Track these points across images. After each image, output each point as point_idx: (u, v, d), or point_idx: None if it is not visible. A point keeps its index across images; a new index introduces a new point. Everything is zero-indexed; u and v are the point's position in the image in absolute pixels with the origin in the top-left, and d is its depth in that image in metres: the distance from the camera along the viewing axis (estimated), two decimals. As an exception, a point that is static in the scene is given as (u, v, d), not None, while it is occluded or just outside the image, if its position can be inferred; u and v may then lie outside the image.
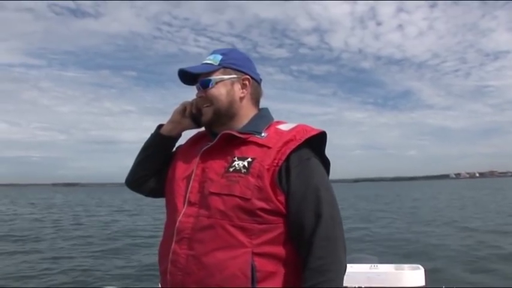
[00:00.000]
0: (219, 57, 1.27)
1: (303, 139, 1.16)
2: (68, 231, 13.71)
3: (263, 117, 1.29)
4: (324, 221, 1.10)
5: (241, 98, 1.27)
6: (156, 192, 1.40)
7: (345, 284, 2.05)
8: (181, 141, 1.41)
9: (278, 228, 1.12)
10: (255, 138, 1.18)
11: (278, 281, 1.11)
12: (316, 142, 1.22)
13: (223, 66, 1.26)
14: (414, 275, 2.14)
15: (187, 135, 1.41)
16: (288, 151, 1.13)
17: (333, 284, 1.06)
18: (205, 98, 1.25)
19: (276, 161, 1.12)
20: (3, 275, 7.12)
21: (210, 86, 1.24)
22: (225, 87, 1.25)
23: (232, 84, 1.26)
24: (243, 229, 1.09)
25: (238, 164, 1.14)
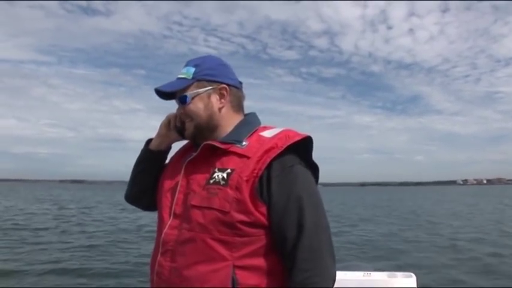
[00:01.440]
0: (192, 69, 1.24)
1: (284, 146, 1.12)
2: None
3: (247, 125, 1.25)
4: (306, 231, 1.07)
5: (220, 109, 1.24)
6: (153, 206, 1.38)
7: (338, 291, 2.09)
8: (173, 151, 1.41)
9: (260, 241, 1.10)
10: (235, 148, 1.15)
11: None
12: (303, 147, 1.18)
13: (197, 80, 1.23)
14: (407, 282, 2.15)
15: (179, 145, 1.40)
16: (268, 160, 1.10)
17: None
18: (184, 113, 1.24)
19: (256, 172, 1.09)
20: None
21: (187, 102, 1.22)
22: (202, 101, 1.23)
23: (209, 96, 1.23)
24: (223, 242, 1.08)
25: (217, 176, 1.12)
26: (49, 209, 23.02)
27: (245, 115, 1.31)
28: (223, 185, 1.10)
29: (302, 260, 1.06)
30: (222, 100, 1.24)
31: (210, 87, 1.23)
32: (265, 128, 1.24)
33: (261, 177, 1.09)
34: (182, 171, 1.22)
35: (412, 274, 2.14)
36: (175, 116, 1.30)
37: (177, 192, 1.20)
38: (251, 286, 1.08)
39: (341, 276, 2.24)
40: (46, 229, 13.12)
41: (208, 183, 1.13)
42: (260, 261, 1.10)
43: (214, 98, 1.23)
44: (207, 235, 1.09)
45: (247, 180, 1.08)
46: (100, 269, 7.56)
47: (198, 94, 1.22)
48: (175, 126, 1.31)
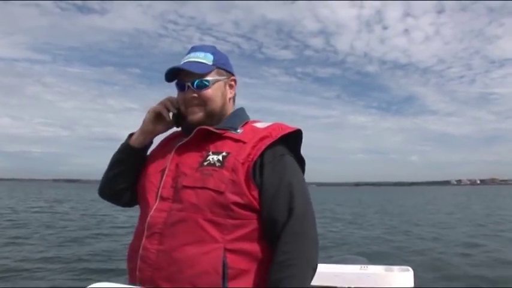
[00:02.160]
0: (211, 56, 1.25)
1: (278, 135, 1.17)
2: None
3: (239, 115, 1.29)
4: (294, 216, 1.09)
5: (230, 99, 1.30)
6: (133, 202, 1.37)
7: (335, 284, 2.08)
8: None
9: (251, 224, 1.12)
10: (230, 133, 1.19)
11: (250, 279, 1.09)
12: (293, 141, 1.23)
13: (217, 67, 1.25)
14: (403, 276, 2.15)
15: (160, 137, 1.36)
16: (264, 147, 1.14)
17: (295, 279, 1.04)
18: (198, 98, 1.22)
19: (251, 156, 1.13)
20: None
21: (208, 86, 1.22)
22: (220, 89, 1.25)
23: (225, 85, 1.28)
24: (215, 224, 1.08)
25: (212, 158, 1.14)
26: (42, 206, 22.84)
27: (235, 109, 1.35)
28: (218, 166, 1.12)
29: (285, 242, 1.08)
30: (231, 91, 1.30)
31: (225, 77, 1.28)
32: (255, 121, 1.30)
33: (255, 163, 1.13)
34: (171, 156, 1.21)
35: (409, 268, 2.13)
36: (165, 104, 1.28)
37: (164, 176, 1.19)
38: (242, 270, 1.08)
39: (338, 269, 2.23)
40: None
41: (201, 165, 1.14)
42: (251, 246, 1.11)
43: (227, 88, 1.28)
44: (200, 215, 1.08)
45: (242, 163, 1.12)
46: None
47: (218, 81, 1.25)
48: (173, 115, 1.29)
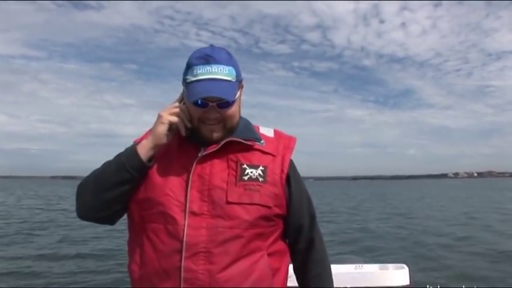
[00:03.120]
0: (233, 71, 1.16)
1: (293, 147, 1.25)
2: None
3: (249, 123, 1.28)
4: (315, 220, 1.29)
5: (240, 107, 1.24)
6: (119, 218, 1.23)
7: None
8: None
9: (279, 228, 1.21)
10: (257, 145, 1.20)
11: (282, 274, 1.21)
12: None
13: (239, 81, 1.19)
14: (399, 274, 2.15)
15: None
16: (288, 159, 1.22)
17: (330, 271, 1.30)
18: (219, 116, 1.14)
19: (282, 169, 1.19)
20: None
21: (230, 107, 1.15)
22: (238, 104, 1.19)
23: (240, 96, 1.21)
24: (260, 234, 1.14)
25: (253, 173, 1.15)
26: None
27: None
28: (262, 181, 1.15)
29: (318, 241, 1.28)
30: (241, 96, 1.24)
31: (241, 89, 1.22)
32: (258, 128, 1.30)
33: (287, 175, 1.20)
34: (193, 167, 1.12)
35: (404, 265, 2.13)
36: (182, 118, 1.17)
37: (189, 189, 1.10)
38: (276, 269, 1.18)
39: (333, 269, 2.23)
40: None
41: (241, 179, 1.13)
42: (280, 246, 1.22)
43: (240, 97, 1.22)
44: (253, 230, 1.12)
45: (280, 177, 1.18)
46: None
47: (239, 97, 1.20)
48: (186, 129, 1.18)
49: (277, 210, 1.17)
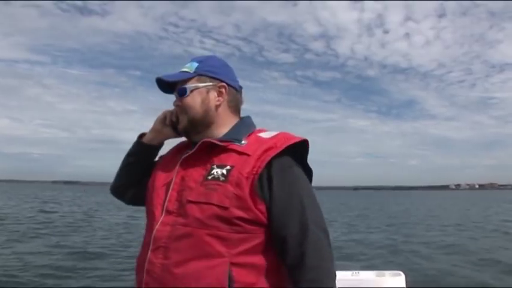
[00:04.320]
0: (195, 64, 1.26)
1: (283, 146, 1.14)
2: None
3: (244, 125, 1.27)
4: (311, 230, 1.08)
5: (217, 106, 1.25)
6: (136, 200, 1.40)
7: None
8: (165, 150, 1.40)
9: (257, 238, 1.10)
10: (234, 146, 1.16)
11: None
12: (299, 151, 1.20)
13: (199, 74, 1.25)
14: (395, 281, 2.16)
15: (172, 144, 1.40)
16: (268, 158, 1.11)
17: None
18: (181, 106, 1.25)
19: (256, 169, 1.10)
20: None
21: (186, 94, 1.23)
22: (200, 96, 1.24)
23: (208, 92, 1.24)
24: (220, 238, 1.07)
25: (216, 172, 1.12)
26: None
27: (241, 118, 1.32)
28: (222, 181, 1.10)
29: (309, 257, 1.06)
30: (220, 98, 1.25)
31: (210, 83, 1.25)
32: (261, 131, 1.26)
33: (260, 175, 1.10)
34: (177, 169, 1.20)
35: (401, 272, 2.14)
36: (172, 112, 1.31)
37: (170, 189, 1.17)
38: (247, 284, 1.07)
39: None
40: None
41: (206, 179, 1.12)
42: (256, 259, 1.10)
43: (213, 95, 1.25)
44: (205, 230, 1.07)
45: (247, 177, 1.09)
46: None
47: (197, 88, 1.24)
48: (170, 122, 1.32)
49: (239, 213, 1.07)
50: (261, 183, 1.10)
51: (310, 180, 1.22)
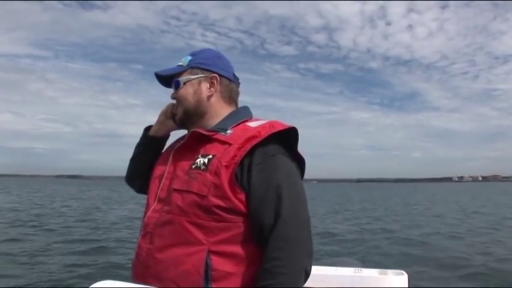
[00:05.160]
0: (189, 58, 1.33)
1: (266, 135, 1.13)
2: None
3: (235, 115, 1.29)
4: (282, 221, 1.06)
5: (209, 97, 1.29)
6: (144, 189, 1.40)
7: (328, 286, 2.07)
8: (170, 141, 1.46)
9: (237, 228, 1.10)
10: (219, 135, 1.19)
11: (235, 281, 1.08)
12: (290, 139, 1.20)
13: (191, 67, 1.31)
14: (398, 280, 2.13)
15: (178, 135, 1.44)
16: (249, 146, 1.11)
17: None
18: (176, 98, 1.32)
19: (236, 158, 1.10)
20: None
21: (180, 86, 1.30)
22: (192, 87, 1.29)
23: (200, 83, 1.30)
24: (200, 226, 1.09)
25: (199, 161, 1.16)
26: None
27: (237, 108, 1.35)
28: (203, 169, 1.13)
29: (274, 248, 1.05)
30: (212, 89, 1.29)
31: (201, 75, 1.30)
32: (253, 120, 1.28)
33: (241, 164, 1.11)
34: (170, 159, 1.27)
35: (404, 272, 2.11)
36: (174, 104, 1.37)
37: (163, 179, 1.25)
38: (225, 273, 1.08)
39: (332, 272, 2.21)
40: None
41: (190, 168, 1.17)
42: (236, 248, 1.10)
43: (204, 86, 1.29)
44: (184, 218, 1.11)
45: (226, 166, 1.10)
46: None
47: (189, 80, 1.29)
48: (171, 114, 1.38)
49: (217, 202, 1.08)
50: (242, 173, 1.11)
51: (303, 169, 1.23)
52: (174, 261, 1.10)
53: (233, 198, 1.09)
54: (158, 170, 1.31)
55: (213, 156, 1.14)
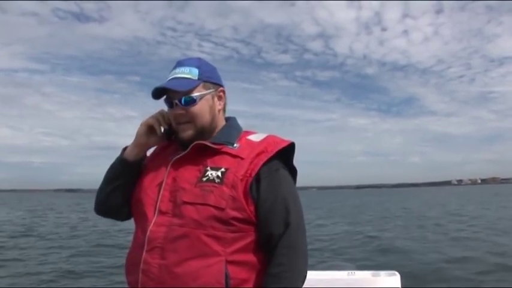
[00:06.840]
0: (195, 70, 1.25)
1: (274, 151, 1.21)
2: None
3: (233, 128, 1.31)
4: (290, 230, 1.16)
5: (219, 111, 1.31)
6: (126, 215, 1.37)
7: (323, 291, 2.11)
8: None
9: (249, 236, 1.16)
10: (227, 148, 1.21)
11: (250, 287, 1.15)
12: (286, 151, 1.26)
13: (203, 81, 1.25)
14: (391, 281, 2.19)
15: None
16: (261, 163, 1.18)
17: None
18: (185, 115, 1.24)
19: (249, 172, 1.16)
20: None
21: (195, 103, 1.23)
22: (208, 103, 1.26)
23: (213, 98, 1.28)
24: (216, 238, 1.12)
25: (211, 174, 1.17)
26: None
27: (226, 119, 1.36)
28: (218, 182, 1.15)
29: (280, 254, 1.14)
30: (221, 102, 1.31)
31: (213, 90, 1.28)
32: (248, 133, 1.31)
33: (253, 178, 1.17)
34: (168, 169, 1.23)
35: (396, 272, 2.17)
36: (157, 119, 1.30)
37: (162, 190, 1.20)
38: (242, 280, 1.13)
39: (325, 276, 2.27)
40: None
41: (201, 181, 1.17)
42: (250, 256, 1.17)
43: (216, 100, 1.29)
44: (201, 231, 1.12)
45: (241, 180, 1.16)
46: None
47: (205, 95, 1.25)
48: (165, 130, 1.30)
49: (234, 214, 1.13)
50: (252, 185, 1.17)
51: (295, 179, 1.30)
52: (192, 275, 1.10)
53: (247, 210, 1.15)
54: (148, 181, 1.26)
55: (226, 169, 1.17)
